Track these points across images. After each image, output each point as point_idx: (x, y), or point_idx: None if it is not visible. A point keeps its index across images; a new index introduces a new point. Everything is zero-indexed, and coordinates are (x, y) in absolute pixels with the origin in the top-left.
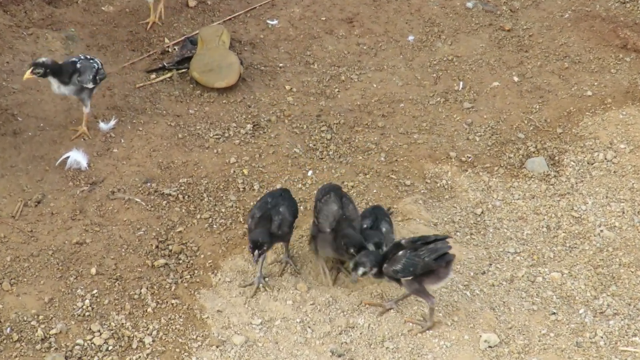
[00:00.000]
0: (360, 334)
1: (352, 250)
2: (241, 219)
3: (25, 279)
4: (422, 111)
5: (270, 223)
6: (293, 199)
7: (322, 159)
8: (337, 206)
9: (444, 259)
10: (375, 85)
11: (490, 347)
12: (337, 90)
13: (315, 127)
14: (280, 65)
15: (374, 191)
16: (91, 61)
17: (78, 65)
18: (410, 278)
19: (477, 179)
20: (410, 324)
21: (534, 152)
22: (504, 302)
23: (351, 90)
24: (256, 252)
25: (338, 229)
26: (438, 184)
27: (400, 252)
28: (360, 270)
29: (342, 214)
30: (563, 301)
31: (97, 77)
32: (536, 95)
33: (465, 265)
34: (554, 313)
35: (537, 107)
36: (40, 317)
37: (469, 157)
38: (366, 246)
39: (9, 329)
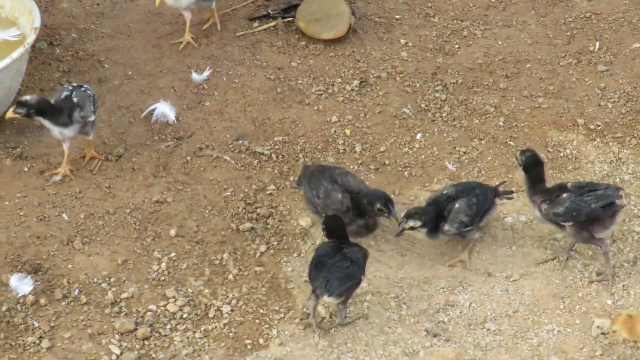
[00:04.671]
0: (460, 313)
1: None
2: None
3: (98, 238)
4: (551, 73)
5: None
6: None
7: (433, 121)
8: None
9: (611, 208)
10: (500, 43)
11: (603, 333)
12: (457, 46)
13: (430, 86)
14: (397, 17)
15: (489, 158)
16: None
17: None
18: (570, 224)
19: (606, 149)
20: (594, 284)
21: None
22: (623, 286)
23: (473, 47)
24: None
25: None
26: (561, 154)
27: (565, 195)
28: (409, 224)
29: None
30: None
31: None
32: None
33: (585, 245)
34: None
35: None
36: (112, 279)
37: (599, 126)
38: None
39: (77, 291)
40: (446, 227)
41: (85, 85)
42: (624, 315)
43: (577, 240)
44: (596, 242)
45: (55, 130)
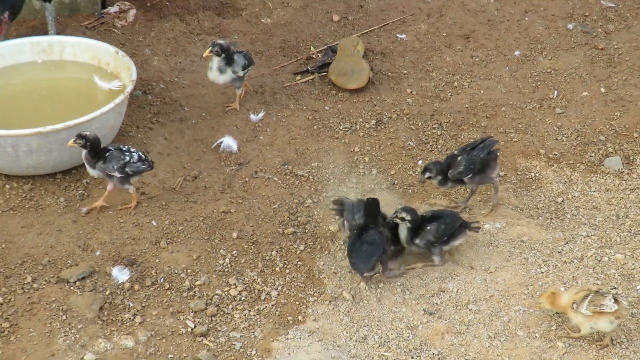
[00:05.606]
0: (449, 297)
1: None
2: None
3: (179, 240)
4: (520, 114)
5: None
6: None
7: (431, 151)
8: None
9: (494, 153)
10: (482, 91)
11: (557, 313)
12: (449, 94)
13: (429, 124)
14: (405, 72)
15: None
16: (127, 152)
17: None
18: (471, 176)
19: (561, 173)
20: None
21: (612, 152)
22: (573, 277)
23: (462, 94)
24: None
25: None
26: (527, 176)
27: (459, 158)
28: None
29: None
30: (623, 278)
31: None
32: (619, 105)
33: (544, 245)
34: (614, 288)
35: (619, 114)
36: (189, 270)
37: (556, 155)
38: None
39: (162, 279)
40: (417, 240)
41: (132, 151)
42: (548, 292)
43: (477, 186)
44: (490, 180)
45: (86, 166)
